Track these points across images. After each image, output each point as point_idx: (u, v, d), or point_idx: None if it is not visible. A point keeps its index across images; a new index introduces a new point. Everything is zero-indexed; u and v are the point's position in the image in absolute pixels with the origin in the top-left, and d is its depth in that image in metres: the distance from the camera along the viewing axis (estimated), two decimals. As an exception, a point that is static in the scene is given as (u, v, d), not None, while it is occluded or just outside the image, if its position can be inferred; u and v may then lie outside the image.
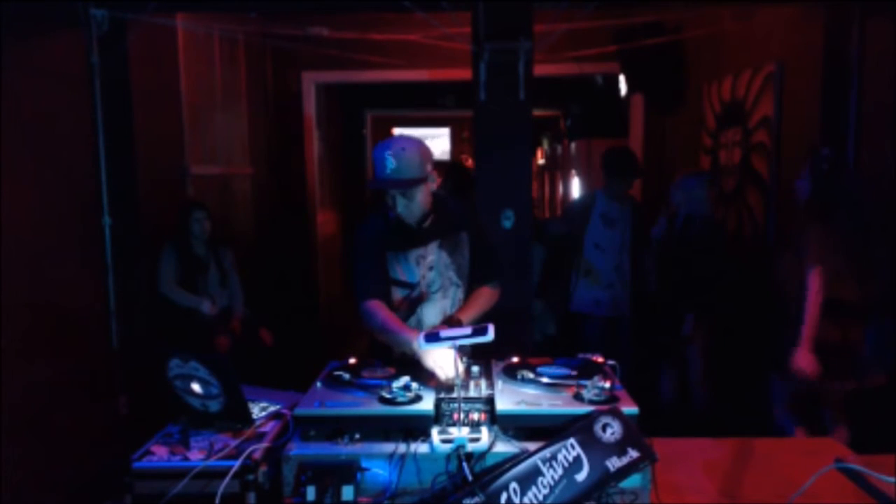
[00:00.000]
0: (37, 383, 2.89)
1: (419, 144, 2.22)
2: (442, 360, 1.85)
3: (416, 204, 2.23)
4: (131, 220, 3.51)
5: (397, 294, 2.35)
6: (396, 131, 11.34)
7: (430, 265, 2.34)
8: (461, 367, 1.84)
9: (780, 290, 3.04)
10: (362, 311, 2.24)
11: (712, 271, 3.62)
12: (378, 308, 2.21)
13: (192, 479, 1.59)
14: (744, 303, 3.72)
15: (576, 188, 6.92)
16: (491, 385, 1.81)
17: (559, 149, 8.34)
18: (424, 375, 1.85)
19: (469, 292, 2.41)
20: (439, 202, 2.33)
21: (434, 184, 2.27)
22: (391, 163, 2.14)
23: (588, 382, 1.69)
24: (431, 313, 2.35)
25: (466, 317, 2.25)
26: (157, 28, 3.76)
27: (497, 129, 3.43)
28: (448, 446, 1.57)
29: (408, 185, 2.18)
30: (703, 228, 3.70)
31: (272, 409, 1.92)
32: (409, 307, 2.35)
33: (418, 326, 2.30)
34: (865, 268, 2.88)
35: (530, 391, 1.74)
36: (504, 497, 1.44)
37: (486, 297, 2.40)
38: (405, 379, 1.73)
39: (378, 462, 1.59)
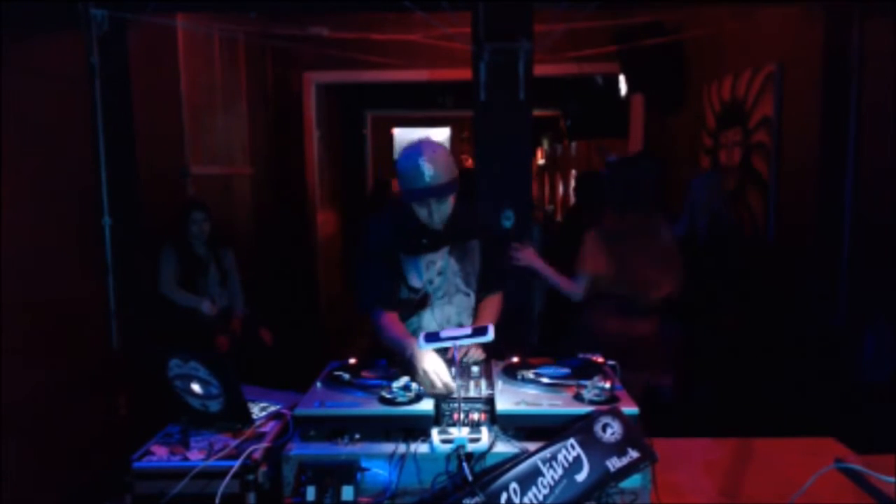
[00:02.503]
0: (36, 383, 2.90)
1: (443, 146, 2.19)
2: (436, 368, 1.81)
3: (447, 206, 2.20)
4: (131, 220, 3.50)
5: (404, 297, 2.33)
6: (396, 131, 11.34)
7: (439, 270, 2.31)
8: (471, 367, 1.86)
9: None
10: (373, 320, 2.22)
11: (737, 270, 3.65)
12: (391, 321, 2.19)
13: (192, 479, 1.59)
14: (744, 301, 3.72)
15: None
16: (491, 385, 1.81)
17: (559, 149, 8.34)
18: (424, 384, 1.80)
19: (479, 300, 2.39)
20: (454, 207, 2.28)
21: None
22: (429, 169, 2.08)
23: (588, 382, 1.69)
24: (434, 319, 2.33)
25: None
26: (157, 28, 3.76)
27: (497, 129, 3.43)
28: (448, 446, 1.57)
29: (451, 189, 2.15)
30: (729, 227, 3.73)
31: (272, 409, 1.92)
32: (413, 310, 2.33)
33: (418, 331, 2.27)
34: (642, 267, 2.94)
35: (530, 391, 1.74)
36: (504, 497, 1.44)
37: (496, 307, 2.39)
38: (405, 379, 1.72)
39: (378, 462, 1.59)
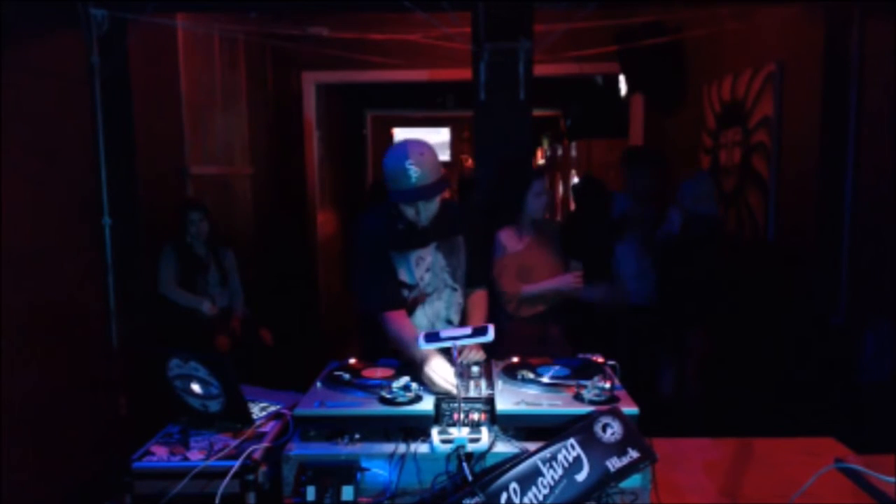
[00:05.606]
0: (37, 383, 2.90)
1: (429, 145, 2.20)
2: (442, 370, 1.82)
3: (435, 204, 2.21)
4: (131, 220, 3.50)
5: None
6: (396, 131, 11.34)
7: (428, 267, 2.34)
8: (473, 369, 1.87)
9: None
10: (383, 321, 2.23)
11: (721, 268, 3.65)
12: (397, 319, 2.20)
13: (192, 479, 1.59)
14: (744, 301, 3.72)
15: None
16: (491, 385, 1.81)
17: (559, 149, 8.34)
18: (429, 383, 1.82)
19: (467, 295, 2.43)
20: (441, 203, 2.31)
21: (448, 181, 2.25)
22: (415, 171, 2.09)
23: (588, 382, 1.69)
24: (425, 315, 2.36)
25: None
26: (157, 28, 3.76)
27: (497, 129, 3.43)
28: (448, 446, 1.57)
29: (438, 189, 2.15)
30: (712, 227, 3.72)
31: (272, 409, 1.92)
32: (410, 308, 2.34)
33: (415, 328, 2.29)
34: None
35: (530, 391, 1.74)
36: (504, 497, 1.44)
37: (485, 300, 2.44)
38: (405, 379, 1.72)
39: (378, 462, 1.59)
